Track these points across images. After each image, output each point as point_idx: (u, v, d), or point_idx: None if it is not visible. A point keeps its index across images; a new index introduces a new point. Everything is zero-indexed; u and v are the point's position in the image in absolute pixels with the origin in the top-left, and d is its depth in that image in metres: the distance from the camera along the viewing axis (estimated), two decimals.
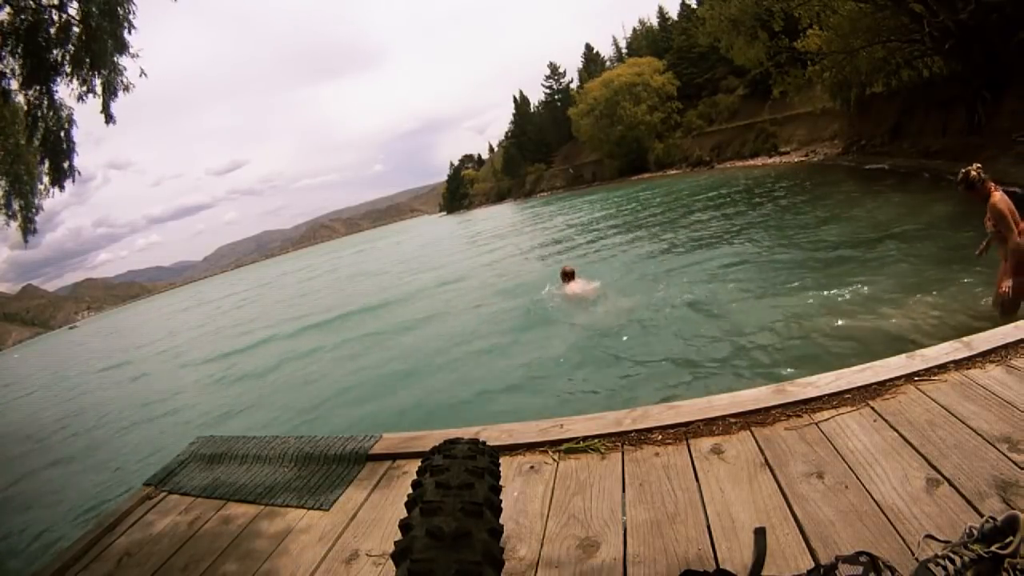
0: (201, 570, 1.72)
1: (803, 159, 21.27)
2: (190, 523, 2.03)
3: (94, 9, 6.48)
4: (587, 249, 12.60)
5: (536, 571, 1.31)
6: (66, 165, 7.66)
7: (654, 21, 48.61)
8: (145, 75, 7.33)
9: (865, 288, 5.09)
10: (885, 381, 1.69)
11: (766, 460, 1.49)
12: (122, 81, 7.19)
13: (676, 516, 1.37)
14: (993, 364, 1.66)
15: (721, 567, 1.14)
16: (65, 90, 7.38)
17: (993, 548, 0.88)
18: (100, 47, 6.66)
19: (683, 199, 18.62)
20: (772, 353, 4.36)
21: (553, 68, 59.32)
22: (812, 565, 1.08)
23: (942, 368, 1.69)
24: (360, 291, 15.91)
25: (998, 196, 3.38)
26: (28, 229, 9.03)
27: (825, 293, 5.31)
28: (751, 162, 26.07)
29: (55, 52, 6.66)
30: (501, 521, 1.13)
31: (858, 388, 1.69)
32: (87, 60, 6.73)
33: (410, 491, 1.14)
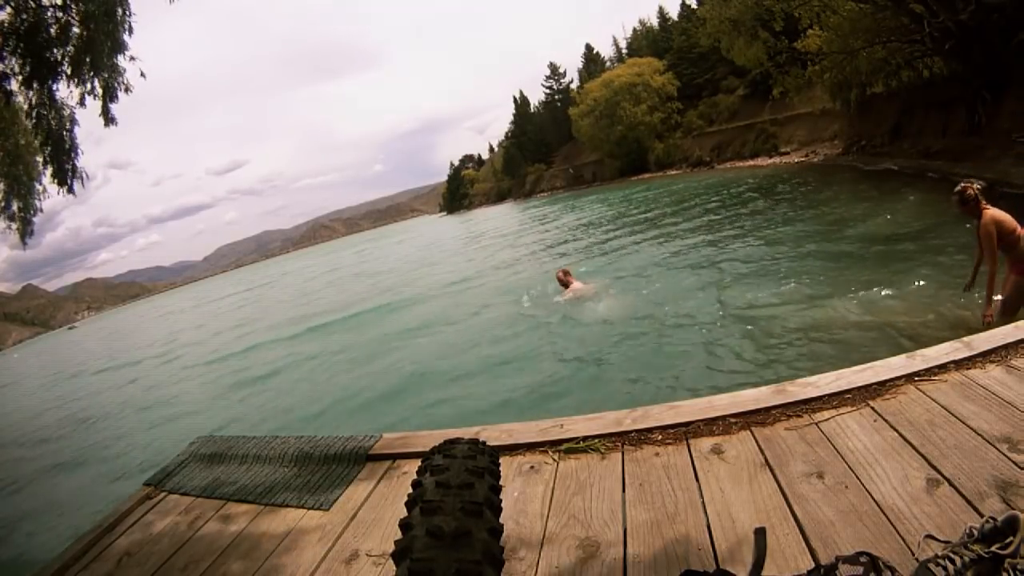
0: (201, 570, 1.72)
1: (803, 159, 21.27)
2: (190, 523, 2.03)
3: (94, 10, 6.48)
4: (589, 249, 12.60)
5: (536, 571, 1.31)
6: (69, 166, 7.66)
7: (654, 21, 48.70)
8: (144, 76, 7.33)
9: (866, 288, 5.09)
10: (885, 381, 1.69)
11: (766, 460, 1.49)
12: (122, 82, 7.18)
13: (676, 516, 1.37)
14: (993, 364, 1.66)
15: (721, 567, 1.14)
16: (65, 91, 7.37)
17: (993, 548, 0.88)
18: (100, 48, 6.65)
19: (684, 200, 18.63)
20: (772, 353, 4.36)
21: (553, 68, 59.39)
22: (812, 565, 1.08)
23: (942, 368, 1.69)
24: (362, 293, 15.90)
25: (988, 218, 3.38)
26: (26, 231, 8.99)
27: (825, 293, 5.31)
28: (751, 162, 26.07)
29: (55, 52, 6.66)
30: (501, 521, 1.13)
31: (858, 388, 1.69)
32: (87, 61, 6.73)
33: (410, 491, 1.14)
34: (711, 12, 16.89)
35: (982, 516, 1.02)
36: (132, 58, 7.15)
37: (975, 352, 1.72)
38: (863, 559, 0.89)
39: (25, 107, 7.46)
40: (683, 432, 1.71)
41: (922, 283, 4.80)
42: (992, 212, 3.42)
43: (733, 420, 1.70)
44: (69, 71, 6.79)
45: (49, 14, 6.45)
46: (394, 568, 1.03)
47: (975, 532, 0.93)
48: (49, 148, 7.48)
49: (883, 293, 4.86)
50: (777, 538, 1.20)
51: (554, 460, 1.76)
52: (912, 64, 13.53)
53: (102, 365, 18.48)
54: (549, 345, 6.00)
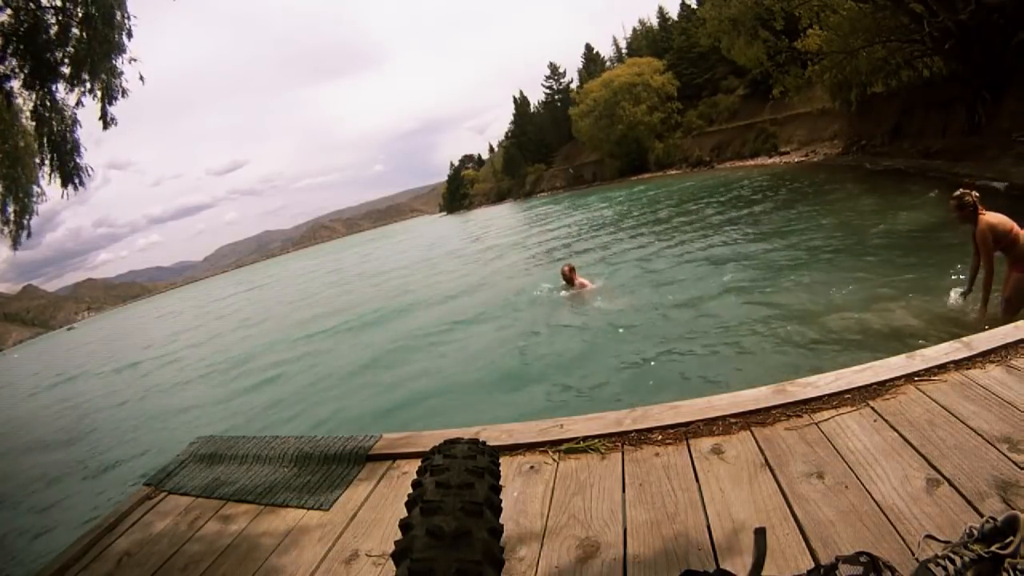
0: (201, 570, 1.72)
1: (803, 159, 21.27)
2: (190, 523, 2.03)
3: (93, 11, 6.49)
4: (592, 249, 12.60)
5: (536, 571, 1.31)
6: (71, 165, 7.68)
7: (654, 21, 48.68)
8: (143, 80, 7.36)
9: (865, 287, 5.09)
10: (885, 381, 1.69)
11: (766, 460, 1.49)
12: (119, 85, 7.20)
13: (676, 516, 1.37)
14: (993, 364, 1.66)
15: (721, 567, 1.14)
16: (65, 92, 7.38)
17: (993, 548, 0.88)
18: (99, 50, 6.67)
19: (684, 200, 18.63)
20: (772, 353, 4.36)
21: (553, 68, 59.38)
22: (812, 565, 1.08)
23: (942, 368, 1.69)
24: (364, 294, 15.90)
25: (984, 224, 3.39)
26: (19, 235, 8.91)
27: (825, 292, 5.31)
28: (751, 162, 26.07)
29: (55, 54, 6.68)
30: (501, 521, 1.13)
31: (858, 388, 1.69)
32: (86, 63, 6.75)
33: (410, 491, 1.14)
34: (711, 12, 16.89)
35: (982, 516, 1.02)
36: (132, 60, 7.17)
37: (975, 352, 1.72)
38: (863, 559, 0.89)
39: (27, 109, 7.47)
40: (683, 432, 1.71)
41: (922, 283, 4.80)
42: (988, 217, 3.43)
43: (733, 420, 1.70)
44: (69, 72, 6.81)
45: (49, 16, 6.47)
46: (394, 568, 1.03)
47: (975, 532, 0.93)
48: (51, 148, 7.50)
49: (883, 293, 4.86)
50: (777, 538, 1.20)
51: (554, 460, 1.76)
52: (912, 64, 13.54)
53: (98, 367, 18.47)
54: (549, 344, 6.01)
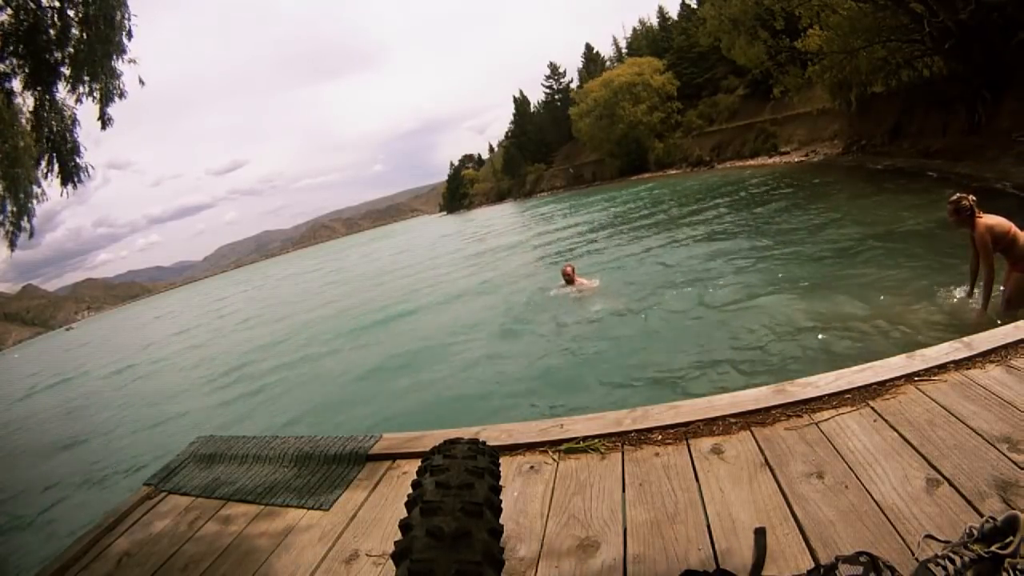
0: (201, 570, 1.72)
1: (803, 159, 21.25)
2: (190, 523, 2.03)
3: (93, 12, 6.50)
4: (594, 249, 12.60)
5: (536, 571, 1.31)
6: (72, 165, 7.69)
7: (654, 21, 48.63)
8: (143, 83, 7.38)
9: (866, 287, 5.09)
10: (885, 381, 1.69)
11: (766, 460, 1.49)
12: (118, 86, 7.21)
13: (676, 516, 1.37)
14: (993, 364, 1.66)
15: (721, 567, 1.14)
16: (65, 93, 7.39)
17: (993, 548, 0.88)
18: (98, 50, 6.67)
19: (685, 200, 18.63)
20: (772, 353, 4.36)
21: (553, 68, 59.34)
22: (812, 565, 1.08)
23: (942, 368, 1.69)
24: (365, 295, 15.90)
25: (982, 227, 3.39)
26: (16, 236, 8.87)
27: (825, 292, 5.31)
28: (751, 162, 26.04)
29: (55, 53, 6.68)
30: (501, 521, 1.13)
31: (858, 388, 1.69)
32: (86, 63, 6.75)
33: (410, 491, 1.14)
34: (711, 11, 16.89)
35: (982, 516, 1.02)
36: (132, 61, 7.17)
37: (975, 352, 1.72)
38: (863, 559, 0.89)
39: (27, 110, 7.47)
40: (683, 432, 1.71)
41: (922, 283, 4.80)
42: (985, 220, 3.43)
43: (733, 420, 1.70)
44: (68, 73, 6.82)
45: (49, 16, 6.47)
46: (394, 568, 1.03)
47: (975, 532, 0.93)
48: (51, 148, 7.51)
49: (883, 292, 4.85)
50: (777, 538, 1.20)
51: (554, 460, 1.76)
52: (912, 63, 13.53)
53: (94, 369, 18.46)
54: (549, 344, 6.00)
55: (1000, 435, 1.34)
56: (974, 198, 3.46)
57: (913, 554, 1.05)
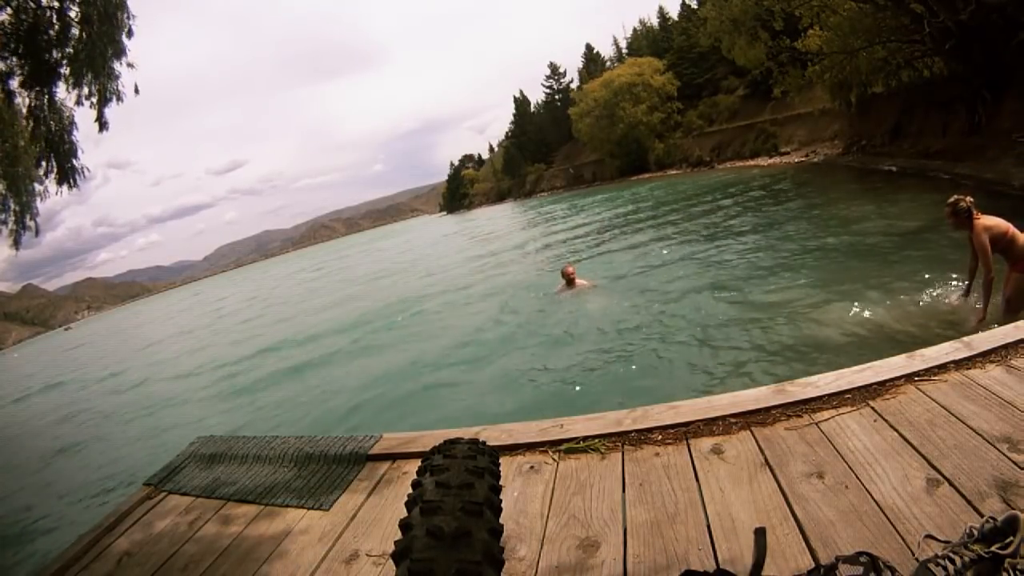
0: (201, 570, 1.72)
1: (803, 159, 21.26)
2: (190, 523, 2.03)
3: (93, 12, 6.49)
4: (592, 250, 12.61)
5: (536, 571, 1.31)
6: (69, 167, 7.70)
7: (654, 21, 48.67)
8: (138, 92, 7.38)
9: (865, 287, 5.09)
10: (885, 381, 1.69)
11: (766, 460, 1.49)
12: (116, 89, 7.21)
13: (676, 516, 1.37)
14: (993, 364, 1.66)
15: (721, 567, 1.14)
16: (64, 94, 7.38)
17: (993, 548, 0.88)
18: (98, 50, 6.67)
19: (683, 200, 18.62)
20: (772, 352, 4.36)
21: (553, 68, 59.37)
22: (812, 565, 1.08)
23: (942, 368, 1.69)
24: (366, 296, 15.89)
25: (979, 228, 3.40)
26: (20, 235, 8.88)
27: (825, 292, 5.31)
28: (751, 162, 26.05)
29: (55, 53, 6.68)
30: (501, 521, 1.13)
31: (858, 388, 1.69)
32: (85, 64, 6.75)
33: (410, 491, 1.14)
34: (712, 12, 16.89)
35: (982, 516, 1.02)
36: (130, 64, 7.16)
37: (975, 352, 1.72)
38: (863, 559, 0.89)
39: (25, 109, 7.47)
40: (683, 432, 1.71)
41: (923, 283, 4.79)
42: (982, 221, 3.44)
43: (733, 420, 1.70)
44: (67, 73, 6.81)
45: (49, 16, 6.46)
46: (394, 568, 1.03)
47: (975, 532, 0.93)
48: (49, 148, 7.51)
49: (883, 292, 4.85)
50: (777, 538, 1.20)
51: (554, 460, 1.76)
52: (912, 64, 13.53)
53: (88, 371, 18.44)
54: (549, 344, 6.00)
55: (1000, 435, 1.34)
56: (971, 200, 3.46)
57: (913, 554, 1.05)
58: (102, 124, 7.30)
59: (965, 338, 1.82)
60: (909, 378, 1.68)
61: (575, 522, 1.45)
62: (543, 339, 6.27)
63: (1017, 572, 0.85)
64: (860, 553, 0.91)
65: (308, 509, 1.89)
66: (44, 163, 7.77)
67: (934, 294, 4.45)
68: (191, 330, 21.30)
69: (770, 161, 24.19)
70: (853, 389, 1.69)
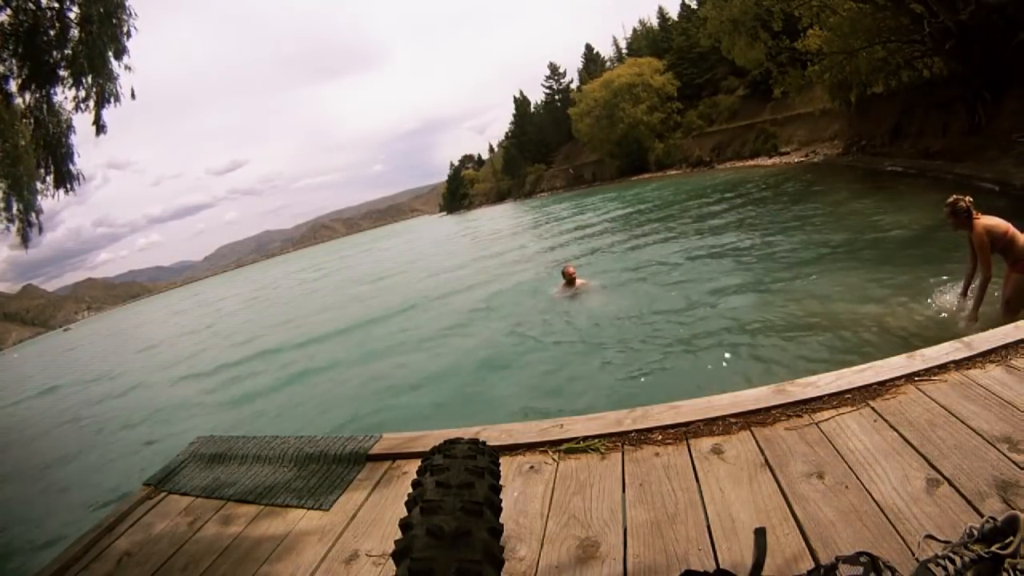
0: (201, 570, 1.72)
1: (803, 160, 21.25)
2: (190, 523, 2.03)
3: (93, 12, 6.49)
4: (597, 250, 12.60)
5: (536, 571, 1.31)
6: (65, 171, 7.71)
7: (654, 21, 48.65)
8: (134, 97, 7.38)
9: (865, 287, 5.09)
10: (885, 381, 1.69)
11: (766, 460, 1.49)
12: (115, 90, 7.21)
13: (676, 516, 1.37)
14: (993, 364, 1.66)
15: (721, 567, 1.14)
16: (62, 96, 7.39)
17: (993, 548, 0.88)
18: (98, 51, 6.66)
19: (684, 200, 18.62)
20: (772, 352, 4.36)
21: (553, 68, 59.35)
22: (812, 565, 1.08)
23: (942, 368, 1.69)
24: (368, 296, 15.87)
25: (980, 228, 3.40)
26: (27, 233, 8.95)
27: (825, 292, 5.31)
28: (751, 162, 26.04)
29: (54, 54, 6.67)
30: (501, 521, 1.13)
31: (858, 388, 1.69)
32: (85, 63, 6.74)
33: (410, 491, 1.14)
34: (712, 12, 16.89)
35: (982, 516, 1.02)
36: (127, 67, 7.16)
37: (975, 352, 1.72)
38: (863, 559, 0.89)
39: (24, 109, 7.47)
40: (683, 432, 1.71)
41: (923, 282, 4.80)
42: (983, 221, 3.44)
43: (733, 420, 1.70)
44: (66, 74, 6.81)
45: (48, 17, 6.46)
46: (394, 568, 1.03)
47: (975, 532, 0.93)
48: (47, 151, 7.51)
49: (883, 292, 4.85)
50: (777, 538, 1.20)
51: (554, 460, 1.76)
52: (912, 64, 13.54)
53: (83, 373, 18.41)
54: (551, 342, 6.00)
55: (1000, 435, 1.34)
56: (971, 199, 3.47)
57: (913, 554, 1.05)
58: (99, 127, 7.29)
59: (965, 338, 1.82)
60: (909, 378, 1.68)
61: (575, 522, 1.45)
62: (543, 339, 6.27)
63: (1017, 572, 0.85)
64: (860, 553, 0.90)
65: (308, 509, 1.89)
66: (42, 167, 7.77)
67: (934, 294, 4.46)
68: (191, 331, 21.29)
69: (770, 161, 24.18)
70: (853, 389, 1.69)
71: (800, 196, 13.28)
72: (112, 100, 7.20)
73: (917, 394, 1.60)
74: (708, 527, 1.30)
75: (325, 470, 2.12)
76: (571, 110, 45.42)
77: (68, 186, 7.82)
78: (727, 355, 4.56)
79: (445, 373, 6.12)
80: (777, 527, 1.23)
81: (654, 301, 6.61)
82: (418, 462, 1.26)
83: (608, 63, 53.17)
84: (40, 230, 9.04)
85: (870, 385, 1.69)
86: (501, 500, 1.18)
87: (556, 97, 59.04)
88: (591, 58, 55.58)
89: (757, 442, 1.58)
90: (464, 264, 15.98)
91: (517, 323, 7.27)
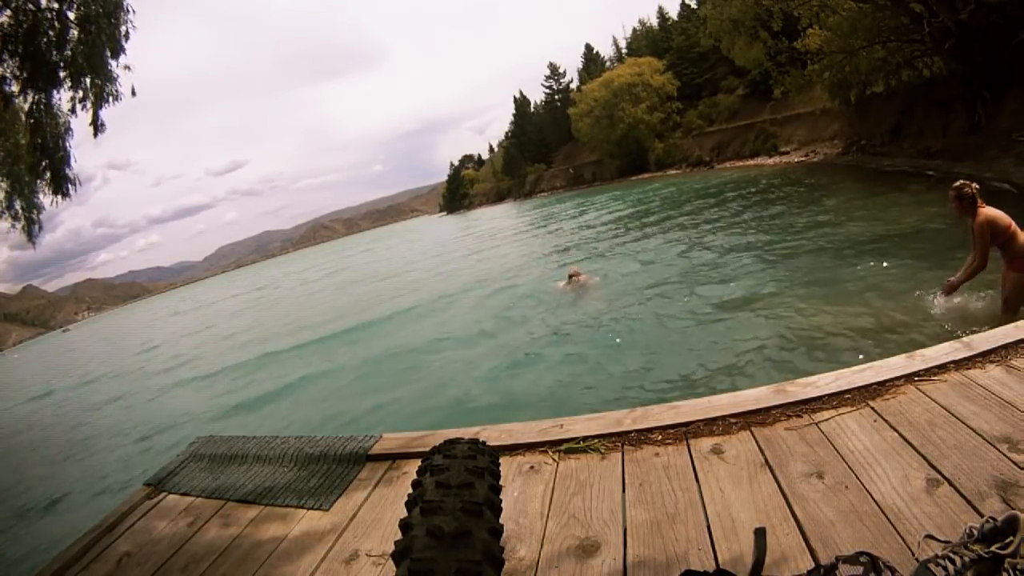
0: (201, 570, 1.72)
1: (803, 159, 21.25)
2: (190, 523, 2.03)
3: (93, 12, 6.48)
4: (594, 250, 12.60)
5: (536, 571, 1.31)
6: (61, 175, 7.70)
7: (654, 21, 48.64)
8: (135, 94, 7.36)
9: (865, 287, 5.09)
10: (885, 381, 1.69)
11: (766, 460, 1.49)
12: (114, 90, 7.18)
13: (676, 516, 1.37)
14: (993, 364, 1.66)
15: (721, 567, 1.14)
16: (59, 96, 7.36)
17: (993, 548, 0.88)
18: (97, 51, 6.65)
19: (684, 200, 18.62)
20: (772, 352, 4.36)
21: (553, 68, 59.34)
22: (812, 565, 1.08)
23: (942, 368, 1.69)
24: (368, 296, 15.87)
25: (983, 216, 3.39)
26: (32, 230, 8.98)
27: (825, 292, 5.31)
28: (751, 162, 26.03)
29: (53, 55, 6.65)
30: (501, 521, 1.13)
31: (858, 388, 1.69)
32: (84, 65, 6.72)
33: (410, 491, 1.14)
34: (712, 12, 16.90)
35: (982, 516, 1.02)
36: (127, 67, 7.13)
37: (975, 352, 1.72)
38: (863, 559, 0.89)
39: (24, 110, 7.46)
40: (683, 432, 1.71)
41: (923, 282, 4.80)
42: (987, 211, 3.43)
43: (733, 420, 1.70)
44: (65, 76, 6.79)
45: (48, 17, 6.44)
46: (394, 568, 1.03)
47: (975, 532, 0.93)
48: (44, 154, 7.50)
49: (883, 292, 4.86)
50: (777, 538, 1.20)
51: (554, 460, 1.76)
52: (912, 64, 13.53)
53: (80, 374, 18.40)
54: (553, 342, 6.02)
55: (1000, 435, 1.34)
56: (977, 187, 3.45)
57: (913, 554, 1.05)
58: (98, 127, 7.25)
59: (965, 338, 1.82)
60: (909, 378, 1.68)
61: (575, 522, 1.45)
62: (544, 339, 6.28)
63: (1017, 572, 0.85)
64: (860, 553, 0.90)
65: (308, 509, 1.88)
66: (40, 169, 7.77)
67: (934, 293, 4.45)
68: (191, 331, 21.29)
69: (770, 161, 24.17)
70: (853, 389, 1.69)
71: (800, 196, 13.29)
72: (111, 100, 7.18)
73: (917, 394, 1.60)
74: (708, 527, 1.30)
75: (325, 470, 2.12)
76: (571, 110, 45.41)
77: (64, 191, 7.81)
78: (727, 354, 4.56)
79: (445, 373, 6.12)
80: (777, 527, 1.23)
81: (655, 300, 6.62)
82: (418, 462, 1.26)
83: (608, 63, 53.15)
84: (40, 228, 9.05)
85: (870, 385, 1.69)
86: (501, 500, 1.18)
87: (556, 97, 59.02)
88: (591, 58, 55.56)
89: (757, 442, 1.58)
90: (464, 264, 15.99)
91: (518, 323, 7.28)
